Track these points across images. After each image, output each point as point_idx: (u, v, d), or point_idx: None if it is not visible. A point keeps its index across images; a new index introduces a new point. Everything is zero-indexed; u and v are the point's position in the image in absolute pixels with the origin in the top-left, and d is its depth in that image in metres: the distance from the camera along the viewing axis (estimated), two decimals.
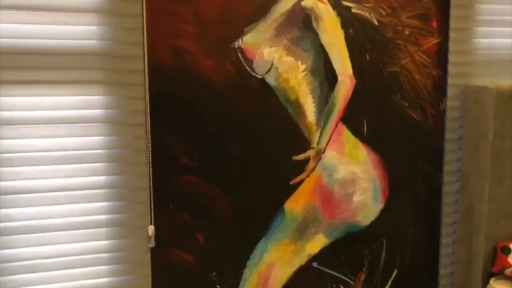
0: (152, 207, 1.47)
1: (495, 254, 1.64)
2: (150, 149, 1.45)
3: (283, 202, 1.60)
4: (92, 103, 1.40)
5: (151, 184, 1.47)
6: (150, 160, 1.46)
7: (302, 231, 1.64)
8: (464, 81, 1.69)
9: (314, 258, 1.66)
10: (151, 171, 1.46)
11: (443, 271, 1.78)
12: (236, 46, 1.49)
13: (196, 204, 1.52)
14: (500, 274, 1.62)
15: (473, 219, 1.64)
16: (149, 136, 1.45)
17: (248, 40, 1.50)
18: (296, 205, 1.62)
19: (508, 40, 1.74)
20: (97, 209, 1.44)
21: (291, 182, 1.60)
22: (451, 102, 1.69)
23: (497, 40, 1.74)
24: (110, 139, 1.43)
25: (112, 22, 1.39)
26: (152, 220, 1.48)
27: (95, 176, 1.43)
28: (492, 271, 1.64)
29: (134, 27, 1.40)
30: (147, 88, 1.43)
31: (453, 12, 1.66)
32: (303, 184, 1.61)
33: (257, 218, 1.59)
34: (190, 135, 1.50)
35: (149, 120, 1.44)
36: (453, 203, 1.76)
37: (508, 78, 1.73)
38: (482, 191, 1.60)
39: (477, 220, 1.63)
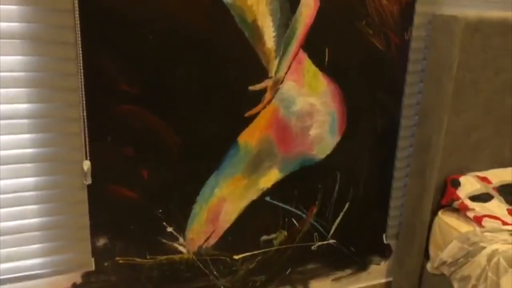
0: (86, 140, 1.33)
1: (445, 187, 1.71)
2: (82, 73, 1.26)
3: (237, 135, 1.52)
4: (8, 15, 1.17)
5: (84, 113, 1.30)
6: (83, 86, 1.28)
7: (256, 165, 1.58)
8: (432, 9, 1.61)
9: (267, 192, 1.63)
10: (83, 98, 1.29)
11: (393, 203, 1.83)
12: None
13: (139, 137, 1.39)
14: (448, 207, 1.70)
15: (428, 153, 1.66)
16: (81, 57, 1.26)
17: None
18: (250, 138, 1.54)
19: None
20: (22, 142, 1.27)
21: (246, 115, 1.51)
22: (417, 31, 1.62)
23: None
24: (33, 59, 1.22)
25: None
26: (88, 155, 1.34)
27: (17, 104, 1.24)
28: (442, 203, 1.71)
29: None
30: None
31: None
32: (259, 116, 1.52)
33: (208, 152, 1.50)
34: (130, 57, 1.32)
35: (79, 37, 1.24)
36: (409, 137, 1.76)
37: (475, 8, 1.69)
38: (440, 125, 1.60)
39: (432, 154, 1.65)
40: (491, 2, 1.74)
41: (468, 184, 1.66)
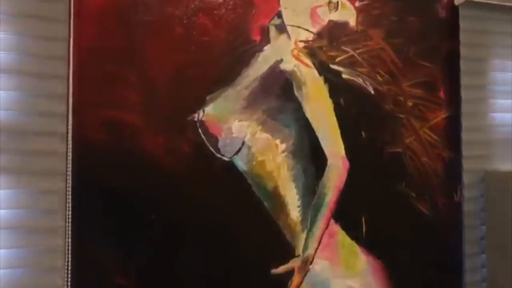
0: None
1: None
2: (69, 267, 1.17)
3: None
4: None
5: None
6: (69, 284, 1.17)
7: None
8: (482, 165, 1.59)
9: None
10: None
11: None
12: (195, 119, 1.31)
13: None
14: None
15: None
16: (69, 248, 1.17)
17: (212, 111, 1.33)
18: None
19: None
20: None
21: None
22: (469, 191, 1.57)
23: None
24: (14, 252, 1.15)
25: (26, 85, 1.18)
26: None
27: None
28: None
29: (56, 93, 1.20)
30: (69, 177, 1.18)
31: (464, 80, 1.58)
32: None
33: None
34: (130, 242, 1.23)
35: (69, 224, 1.18)
36: None
37: None
38: None
39: None
40: None
41: None
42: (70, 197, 1.18)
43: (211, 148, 1.32)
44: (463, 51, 1.59)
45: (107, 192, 1.23)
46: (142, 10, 1.28)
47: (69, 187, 1.19)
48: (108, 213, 1.23)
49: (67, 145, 1.20)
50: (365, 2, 1.49)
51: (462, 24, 1.59)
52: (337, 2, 1.47)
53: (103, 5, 1.25)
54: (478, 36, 1.64)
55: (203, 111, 1.32)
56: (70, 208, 1.18)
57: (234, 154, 1.35)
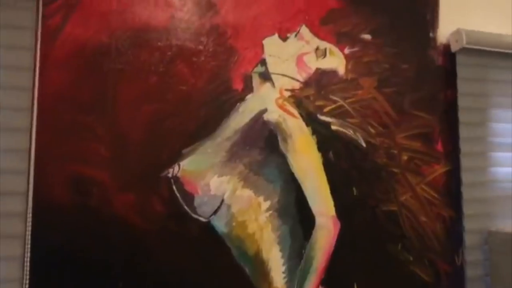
0: None
1: None
2: None
3: None
4: None
5: None
6: None
7: None
8: (485, 224, 1.63)
9: None
10: None
11: None
12: (169, 176, 1.37)
13: None
14: None
15: None
16: None
17: (188, 166, 1.38)
18: None
19: None
20: None
21: None
22: (471, 254, 1.61)
23: None
24: None
25: None
26: None
27: None
28: None
29: (15, 147, 1.25)
30: (28, 241, 1.22)
31: (462, 132, 1.65)
32: None
33: None
34: None
35: None
36: None
37: None
38: None
39: None
40: None
41: None
42: (28, 264, 1.21)
43: (186, 208, 1.37)
44: (461, 100, 1.67)
45: (70, 257, 1.26)
46: (114, 57, 1.35)
47: (27, 252, 1.21)
48: (71, 281, 1.25)
49: (27, 205, 1.23)
50: (355, 49, 1.58)
51: (460, 71, 1.67)
52: (325, 49, 1.55)
53: (72, 51, 1.31)
54: (477, 85, 1.71)
55: (179, 166, 1.38)
56: (28, 277, 1.21)
57: (212, 214, 1.39)
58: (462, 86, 1.69)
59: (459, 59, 1.69)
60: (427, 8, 1.71)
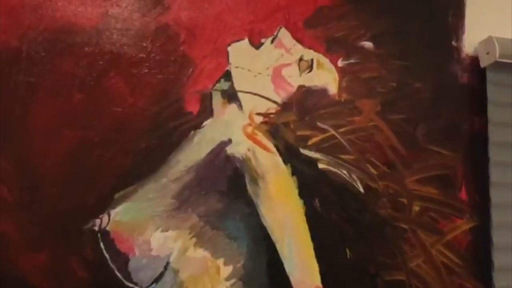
0: None
1: None
2: None
3: None
4: None
5: None
6: None
7: None
8: None
9: None
10: None
11: None
12: (96, 229, 1.40)
13: None
14: None
15: None
16: None
17: (122, 217, 1.41)
18: None
19: None
20: None
21: None
22: None
23: None
24: None
25: None
26: None
27: None
28: None
29: None
30: None
31: (494, 176, 1.66)
32: None
33: None
34: None
35: None
36: None
37: None
38: None
39: None
40: None
41: None
42: None
43: (117, 273, 1.40)
44: (493, 131, 1.68)
45: None
46: (25, 66, 1.39)
47: None
48: None
49: None
50: (351, 61, 1.61)
51: (491, 93, 1.69)
52: (311, 60, 1.58)
53: None
54: None
55: (109, 216, 1.41)
56: None
57: (153, 282, 1.43)
58: (494, 113, 1.69)
59: (491, 76, 1.70)
60: (450, 9, 1.74)
